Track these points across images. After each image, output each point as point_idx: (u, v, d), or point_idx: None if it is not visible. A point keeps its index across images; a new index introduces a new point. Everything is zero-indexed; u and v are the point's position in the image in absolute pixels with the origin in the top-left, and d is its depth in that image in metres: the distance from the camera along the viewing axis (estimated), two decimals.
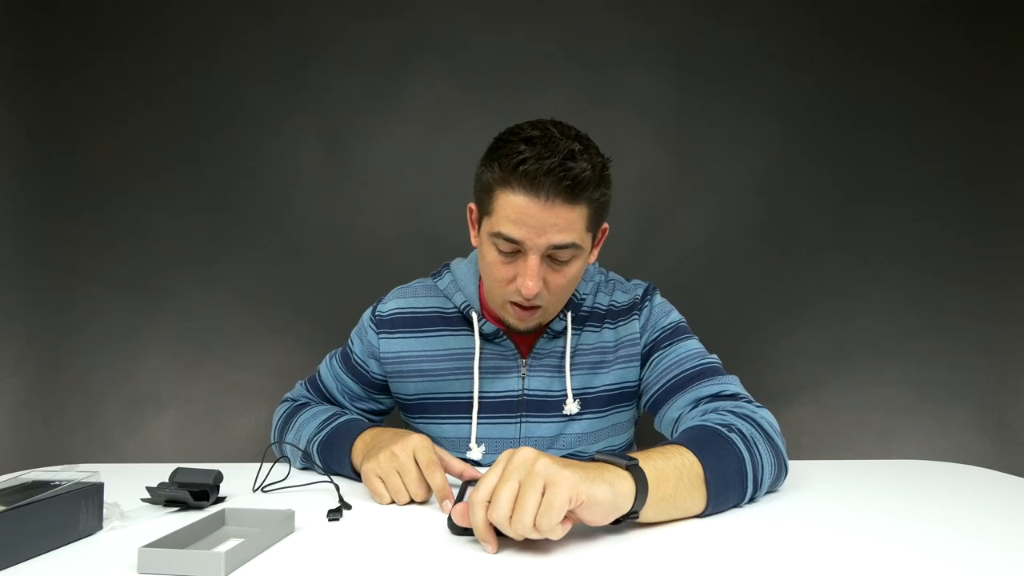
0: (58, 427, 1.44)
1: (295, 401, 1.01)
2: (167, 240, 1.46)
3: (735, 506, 0.65)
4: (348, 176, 1.45)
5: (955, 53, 1.38)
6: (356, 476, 0.78)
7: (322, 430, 0.85)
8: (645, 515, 0.57)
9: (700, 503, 0.61)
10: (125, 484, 0.75)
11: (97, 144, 1.46)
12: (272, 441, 0.95)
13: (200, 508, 0.69)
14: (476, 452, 0.87)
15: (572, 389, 0.87)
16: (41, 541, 0.56)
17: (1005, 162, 1.38)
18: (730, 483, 0.63)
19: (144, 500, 0.70)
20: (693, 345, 0.88)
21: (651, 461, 0.59)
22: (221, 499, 0.73)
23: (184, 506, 0.69)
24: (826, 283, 1.41)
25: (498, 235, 0.76)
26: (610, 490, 0.53)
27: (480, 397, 0.88)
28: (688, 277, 1.42)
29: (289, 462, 0.90)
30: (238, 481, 0.79)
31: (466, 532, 0.58)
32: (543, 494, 0.50)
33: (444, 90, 1.43)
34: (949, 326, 1.38)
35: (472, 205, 0.85)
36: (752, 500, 0.67)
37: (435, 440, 0.89)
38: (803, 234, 1.41)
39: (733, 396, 0.79)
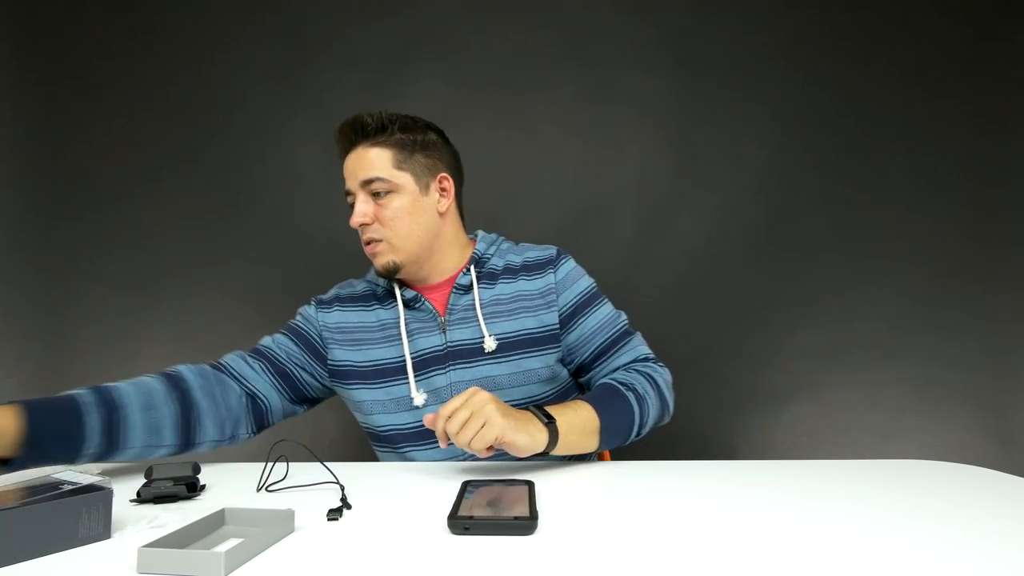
0: None
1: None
2: (167, 240, 1.46)
3: (623, 444, 0.89)
4: None
5: (955, 53, 1.38)
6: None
7: None
8: (553, 453, 0.81)
9: (594, 446, 0.85)
10: (125, 484, 0.75)
11: (97, 145, 1.46)
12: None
13: (191, 498, 0.71)
14: (419, 399, 0.96)
15: (488, 332, 0.97)
16: (33, 547, 0.54)
17: (1005, 162, 1.37)
18: (619, 430, 0.87)
19: (132, 501, 0.70)
20: (607, 311, 1.02)
21: (564, 417, 0.81)
22: (202, 487, 0.75)
23: (173, 499, 0.70)
24: (826, 283, 1.41)
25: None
26: (529, 439, 0.76)
27: (411, 356, 0.98)
28: (688, 277, 1.42)
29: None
30: (238, 481, 0.79)
31: (466, 532, 0.58)
32: (483, 427, 0.73)
33: (444, 90, 1.43)
34: (949, 326, 1.38)
35: None
36: (639, 436, 0.91)
37: (371, 404, 0.98)
38: (803, 234, 1.41)
39: (644, 360, 1.01)
